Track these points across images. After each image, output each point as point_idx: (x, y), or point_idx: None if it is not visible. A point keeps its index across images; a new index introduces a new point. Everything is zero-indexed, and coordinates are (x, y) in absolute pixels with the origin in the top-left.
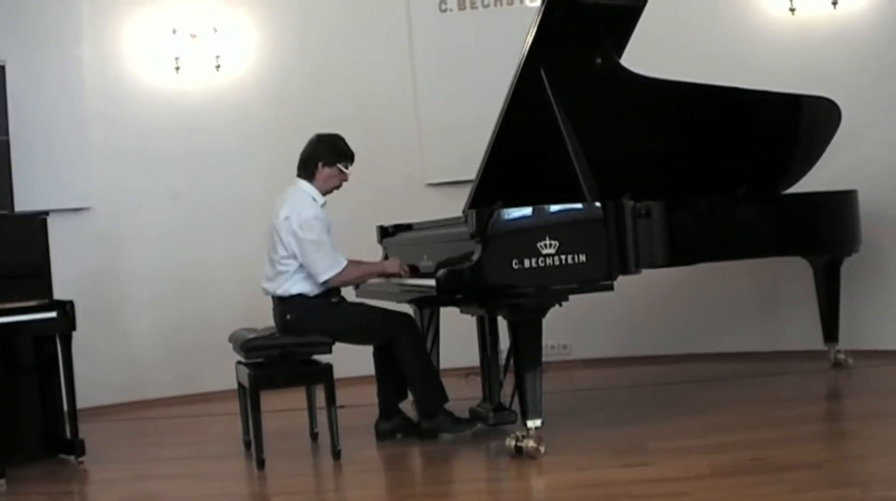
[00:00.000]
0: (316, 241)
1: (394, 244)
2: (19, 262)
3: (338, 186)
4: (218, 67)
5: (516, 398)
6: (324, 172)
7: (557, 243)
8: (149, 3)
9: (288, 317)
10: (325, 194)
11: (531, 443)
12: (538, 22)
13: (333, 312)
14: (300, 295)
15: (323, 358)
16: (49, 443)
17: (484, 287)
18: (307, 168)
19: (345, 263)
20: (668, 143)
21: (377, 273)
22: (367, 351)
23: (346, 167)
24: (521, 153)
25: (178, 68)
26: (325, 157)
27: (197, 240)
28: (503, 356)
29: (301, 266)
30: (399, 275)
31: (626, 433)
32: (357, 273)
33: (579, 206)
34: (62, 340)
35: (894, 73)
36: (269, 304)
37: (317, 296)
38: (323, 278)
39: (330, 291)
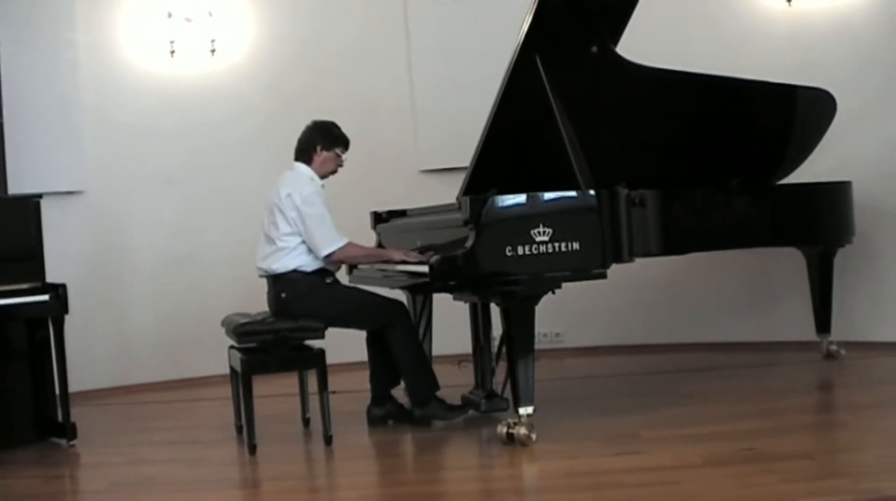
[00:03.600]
0: (319, 215)
1: (387, 231)
2: (12, 245)
3: (334, 171)
4: (213, 51)
5: (508, 386)
6: (321, 155)
7: (551, 231)
8: None
9: (283, 295)
10: (322, 177)
11: (523, 430)
12: (534, 10)
13: (328, 294)
14: (296, 271)
15: (315, 344)
16: (41, 427)
17: (477, 274)
18: (305, 152)
19: (346, 240)
20: (664, 132)
21: (381, 258)
22: (359, 337)
23: (342, 153)
24: (515, 140)
25: (172, 52)
26: (322, 141)
27: (190, 225)
28: (496, 343)
29: (302, 243)
30: (404, 262)
31: (617, 421)
32: (360, 252)
33: (573, 194)
34: (55, 323)
35: (890, 65)
36: (263, 289)
37: (313, 273)
38: (325, 252)
39: (326, 272)
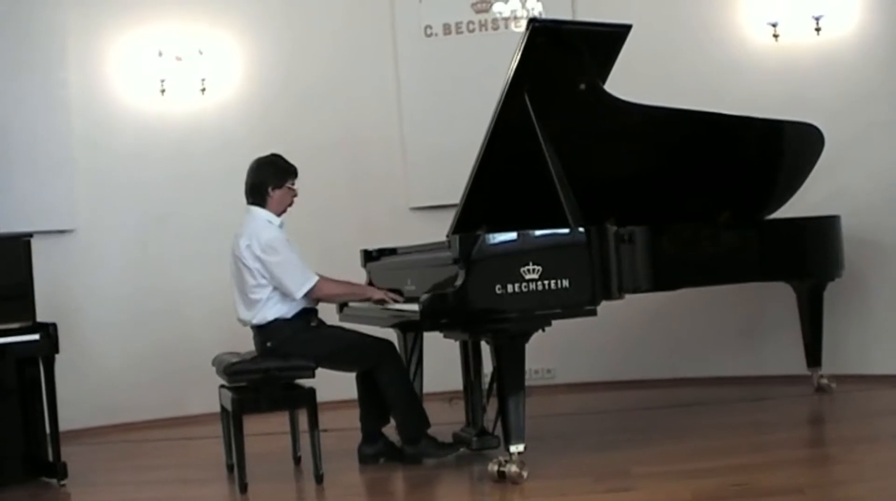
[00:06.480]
0: (282, 261)
1: (378, 269)
2: (2, 284)
3: (290, 204)
4: (203, 90)
5: (499, 423)
6: (275, 195)
7: (541, 268)
8: (135, 26)
9: (269, 344)
10: (279, 214)
11: (514, 468)
12: (522, 47)
13: (313, 338)
14: (277, 320)
15: (306, 382)
16: (31, 466)
17: (467, 312)
18: (257, 195)
19: (316, 278)
20: (652, 168)
21: (361, 296)
22: (350, 375)
23: (293, 184)
24: (505, 178)
25: (163, 91)
26: (273, 180)
27: (180, 263)
28: (487, 380)
29: (274, 290)
30: (384, 301)
31: (608, 458)
32: (336, 290)
33: (562, 231)
34: (45, 362)
35: (877, 99)
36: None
37: (295, 318)
38: (299, 294)
39: (308, 314)
